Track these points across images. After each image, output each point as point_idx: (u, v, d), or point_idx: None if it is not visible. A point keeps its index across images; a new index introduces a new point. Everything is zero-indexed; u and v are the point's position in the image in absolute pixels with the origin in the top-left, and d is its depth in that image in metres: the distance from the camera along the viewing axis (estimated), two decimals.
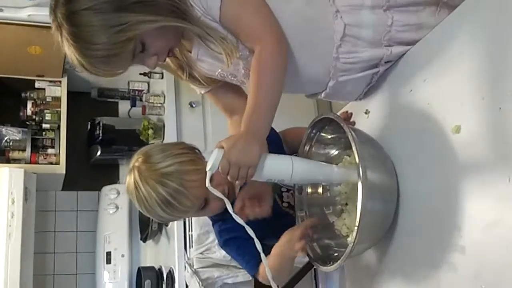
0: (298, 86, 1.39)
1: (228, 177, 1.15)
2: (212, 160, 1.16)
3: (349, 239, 1.34)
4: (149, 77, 3.37)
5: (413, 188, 1.22)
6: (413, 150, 1.24)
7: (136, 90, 3.49)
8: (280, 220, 1.49)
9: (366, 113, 1.45)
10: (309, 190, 1.45)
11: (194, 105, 3.19)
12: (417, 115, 1.24)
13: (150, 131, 3.25)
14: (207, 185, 1.18)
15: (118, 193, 3.37)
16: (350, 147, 1.35)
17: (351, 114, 1.55)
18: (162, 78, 3.28)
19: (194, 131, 3.16)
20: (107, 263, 3.25)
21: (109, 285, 3.24)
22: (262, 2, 1.26)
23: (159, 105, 3.29)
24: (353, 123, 1.51)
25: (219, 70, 1.37)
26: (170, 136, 3.12)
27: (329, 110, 3.66)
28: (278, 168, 1.21)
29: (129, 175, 1.42)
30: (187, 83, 1.49)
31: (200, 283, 2.64)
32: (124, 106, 3.63)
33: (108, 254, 3.27)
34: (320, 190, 1.44)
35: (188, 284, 2.72)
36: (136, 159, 1.42)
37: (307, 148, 1.41)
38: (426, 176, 1.19)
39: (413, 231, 1.22)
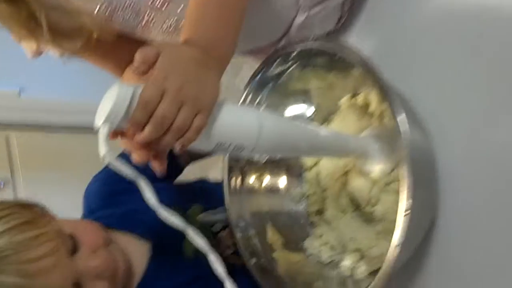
0: (251, 29, 0.75)
1: (149, 125, 0.52)
2: (113, 99, 0.52)
3: (345, 263, 0.78)
4: None
5: (459, 164, 0.69)
6: (457, 93, 0.70)
7: None
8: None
9: None
10: (254, 178, 0.85)
11: None
12: (464, 21, 0.70)
13: None
14: (102, 153, 0.53)
15: None
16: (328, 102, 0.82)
17: None
18: None
19: None
20: None
21: None
22: None
23: None
24: None
25: (106, 2, 0.74)
26: None
27: None
28: (240, 124, 0.61)
29: None
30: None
31: None
32: None
33: None
34: (279, 180, 0.84)
35: None
36: None
37: (252, 97, 0.81)
38: (487, 138, 0.66)
39: (461, 233, 0.69)
